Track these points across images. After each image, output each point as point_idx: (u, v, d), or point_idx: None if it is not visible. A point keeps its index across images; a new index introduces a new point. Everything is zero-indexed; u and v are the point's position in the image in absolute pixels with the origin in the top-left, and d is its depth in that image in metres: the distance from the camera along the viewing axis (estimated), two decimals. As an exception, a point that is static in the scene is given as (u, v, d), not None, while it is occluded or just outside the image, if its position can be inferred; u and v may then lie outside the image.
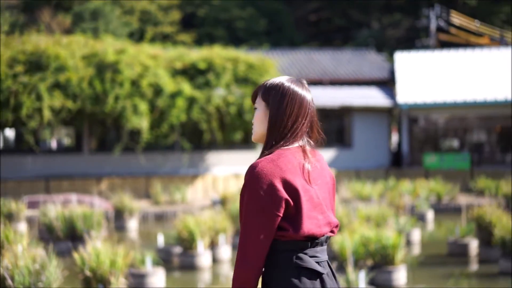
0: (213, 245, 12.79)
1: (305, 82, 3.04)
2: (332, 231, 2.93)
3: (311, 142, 2.99)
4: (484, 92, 25.79)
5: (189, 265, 12.03)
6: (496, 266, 11.51)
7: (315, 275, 2.80)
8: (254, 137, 3.03)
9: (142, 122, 20.78)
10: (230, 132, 22.84)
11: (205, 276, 11.78)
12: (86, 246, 9.39)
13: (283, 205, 2.76)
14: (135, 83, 21.05)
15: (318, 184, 2.91)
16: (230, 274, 11.98)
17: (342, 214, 12.99)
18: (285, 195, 2.76)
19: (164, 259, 12.04)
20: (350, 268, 9.19)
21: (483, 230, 12.57)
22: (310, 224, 2.81)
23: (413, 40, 41.48)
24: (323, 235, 2.87)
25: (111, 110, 20.65)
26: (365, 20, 45.59)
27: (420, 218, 17.43)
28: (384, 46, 40.25)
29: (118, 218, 17.73)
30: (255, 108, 3.02)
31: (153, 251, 11.65)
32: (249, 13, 41.00)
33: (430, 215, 18.20)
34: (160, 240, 13.07)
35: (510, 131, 27.16)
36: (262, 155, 2.89)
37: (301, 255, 2.80)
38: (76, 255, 8.79)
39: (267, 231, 2.76)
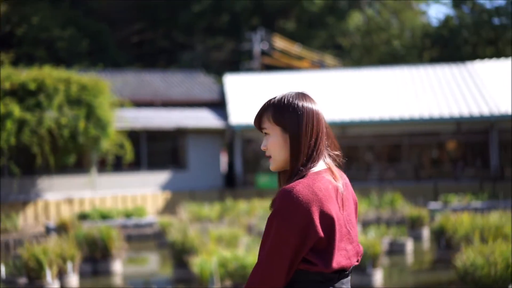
0: (60, 274, 12.24)
1: (307, 93, 2.84)
2: (357, 260, 2.76)
3: (336, 158, 2.81)
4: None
5: (37, 296, 11.43)
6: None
7: None
8: (275, 166, 2.76)
9: (-33, 147, 19.55)
10: (63, 156, 22.05)
11: (56, 306, 11.23)
12: None
13: (315, 242, 2.56)
14: (-41, 105, 19.79)
15: (346, 209, 2.71)
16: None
17: (194, 236, 12.92)
18: (320, 233, 2.54)
19: (10, 291, 11.36)
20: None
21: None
22: (340, 257, 2.61)
23: (237, 62, 42.37)
24: (352, 266, 2.69)
25: None
26: (189, 42, 45.98)
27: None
28: (209, 69, 40.78)
29: None
30: (266, 134, 2.76)
31: (-3, 283, 10.97)
32: (71, 33, 39.96)
33: (269, 233, 18.52)
34: (2, 271, 12.31)
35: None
36: (292, 180, 2.63)
37: None
38: None
39: (290, 265, 2.56)
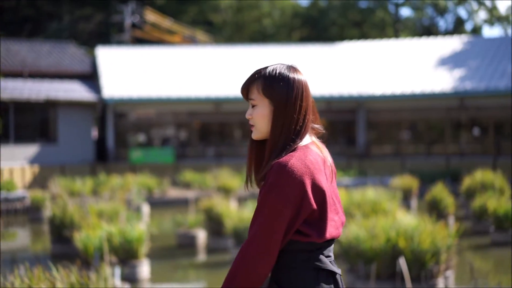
0: None
1: (297, 66, 2.77)
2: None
3: (318, 131, 2.81)
4: (188, 89, 26.78)
5: None
6: (226, 255, 12.12)
7: (331, 276, 2.69)
8: (257, 136, 2.74)
9: None
10: None
11: None
12: None
13: (308, 214, 2.61)
14: None
15: (332, 180, 2.76)
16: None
17: (74, 211, 12.67)
18: (314, 205, 2.59)
19: None
20: (106, 265, 9.02)
21: (213, 221, 13.10)
22: (331, 228, 2.67)
23: (107, 34, 41.48)
24: (339, 236, 2.74)
25: None
26: (56, 12, 44.50)
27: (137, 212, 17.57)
28: (77, 40, 39.68)
29: None
30: (253, 105, 2.73)
31: None
32: None
33: (145, 208, 18.46)
34: None
35: (209, 126, 28.54)
36: (280, 155, 2.64)
37: (320, 256, 2.67)
38: None
39: (283, 238, 2.59)
